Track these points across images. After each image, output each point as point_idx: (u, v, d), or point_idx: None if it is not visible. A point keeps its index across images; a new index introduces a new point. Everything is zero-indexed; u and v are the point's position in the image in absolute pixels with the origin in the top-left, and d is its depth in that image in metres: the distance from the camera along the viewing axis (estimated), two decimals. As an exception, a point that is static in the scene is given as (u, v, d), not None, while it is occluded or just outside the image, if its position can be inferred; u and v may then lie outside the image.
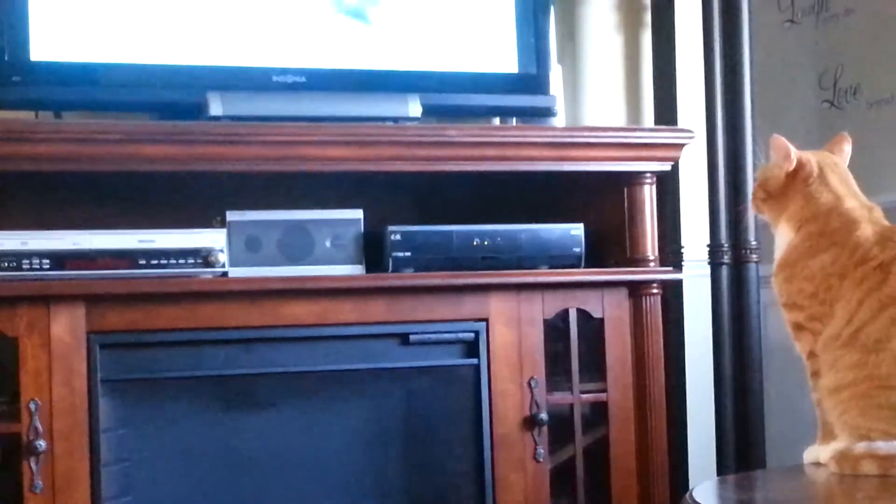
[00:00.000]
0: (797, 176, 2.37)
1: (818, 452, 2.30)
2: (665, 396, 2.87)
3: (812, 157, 2.38)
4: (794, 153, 2.36)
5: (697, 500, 2.09)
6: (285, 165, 2.66)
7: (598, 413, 2.87)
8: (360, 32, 2.86)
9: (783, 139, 2.37)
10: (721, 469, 3.10)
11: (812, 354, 2.32)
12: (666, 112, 3.24)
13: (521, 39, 2.95)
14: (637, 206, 2.87)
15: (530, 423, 2.75)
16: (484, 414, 2.74)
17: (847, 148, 2.44)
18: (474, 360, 2.75)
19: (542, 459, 2.75)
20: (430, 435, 2.87)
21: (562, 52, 3.27)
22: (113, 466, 2.58)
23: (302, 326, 2.65)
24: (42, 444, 2.45)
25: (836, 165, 2.40)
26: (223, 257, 2.60)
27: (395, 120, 2.80)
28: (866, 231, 2.30)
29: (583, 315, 2.85)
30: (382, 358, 2.74)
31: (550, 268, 2.81)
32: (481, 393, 2.74)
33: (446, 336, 2.74)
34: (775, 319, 2.87)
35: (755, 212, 2.52)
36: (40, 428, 2.46)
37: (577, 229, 2.84)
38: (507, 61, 2.96)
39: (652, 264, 2.87)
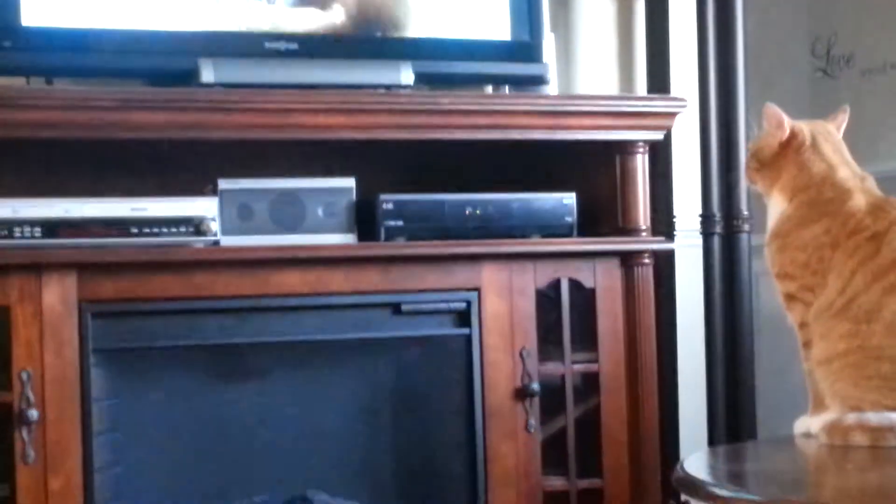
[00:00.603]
0: (790, 145, 2.38)
1: (809, 423, 2.31)
2: (656, 366, 2.87)
3: (805, 127, 2.39)
4: (788, 122, 2.38)
5: (688, 470, 2.10)
6: (277, 133, 2.66)
7: (590, 383, 2.87)
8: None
9: (776, 108, 2.38)
10: (712, 440, 3.11)
11: (804, 324, 2.33)
12: (659, 81, 3.24)
13: (514, 7, 2.93)
14: (629, 176, 2.86)
15: (522, 393, 2.75)
16: (475, 384, 2.74)
17: (843, 118, 2.45)
18: (466, 330, 2.75)
19: (533, 430, 2.76)
20: (422, 405, 2.87)
21: (555, 19, 3.26)
22: (105, 436, 2.58)
23: (294, 296, 2.66)
24: (34, 413, 2.45)
25: (829, 134, 2.41)
26: (215, 226, 2.59)
27: (388, 87, 2.79)
28: (859, 201, 2.31)
29: (574, 285, 2.84)
30: (374, 327, 2.74)
31: (542, 237, 2.81)
32: (473, 363, 2.75)
33: (438, 305, 2.74)
34: (767, 290, 2.89)
35: (748, 182, 2.52)
36: (32, 397, 2.46)
37: (570, 198, 2.84)
38: (499, 29, 2.94)
39: (644, 234, 2.87)
